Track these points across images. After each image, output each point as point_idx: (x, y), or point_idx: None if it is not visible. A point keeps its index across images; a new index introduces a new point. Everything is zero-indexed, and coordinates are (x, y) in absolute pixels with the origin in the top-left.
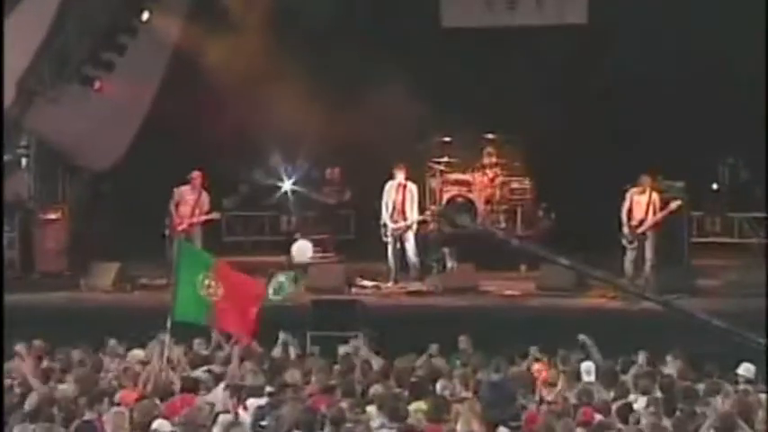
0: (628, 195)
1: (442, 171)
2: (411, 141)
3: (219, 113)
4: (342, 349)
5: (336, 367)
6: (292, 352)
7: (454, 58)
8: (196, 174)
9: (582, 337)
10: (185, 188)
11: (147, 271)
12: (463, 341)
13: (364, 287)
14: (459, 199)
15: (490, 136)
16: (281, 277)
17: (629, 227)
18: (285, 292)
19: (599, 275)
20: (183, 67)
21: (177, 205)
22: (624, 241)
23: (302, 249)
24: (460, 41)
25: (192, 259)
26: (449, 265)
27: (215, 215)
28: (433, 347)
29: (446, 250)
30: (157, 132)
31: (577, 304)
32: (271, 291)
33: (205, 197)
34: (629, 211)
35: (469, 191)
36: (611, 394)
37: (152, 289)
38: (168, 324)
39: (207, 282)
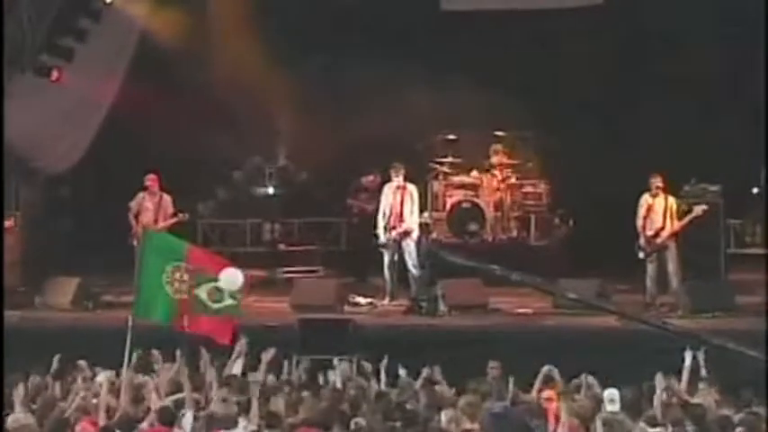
0: (642, 201)
1: (445, 173)
2: (410, 139)
3: (193, 108)
4: (332, 375)
5: (326, 395)
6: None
7: (457, 45)
8: (151, 177)
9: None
10: (143, 195)
11: (111, 287)
12: (495, 368)
13: (358, 305)
14: (465, 204)
15: (500, 133)
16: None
17: (645, 237)
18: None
19: (602, 305)
20: (151, 56)
21: (137, 215)
22: (641, 254)
23: (231, 279)
24: (464, 27)
25: (160, 250)
26: (441, 308)
27: (181, 216)
28: (436, 372)
29: (439, 291)
30: (123, 129)
31: (598, 323)
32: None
33: (167, 200)
34: (645, 218)
35: (476, 195)
36: (639, 425)
37: (117, 307)
38: (128, 338)
39: (178, 274)
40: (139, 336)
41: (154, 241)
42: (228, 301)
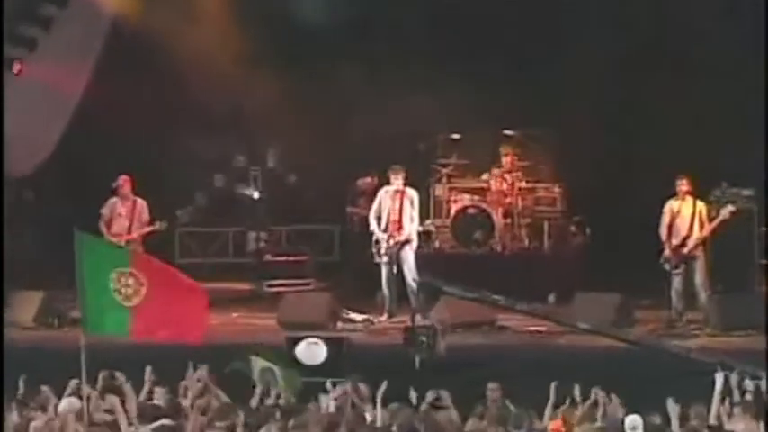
0: (666, 207)
1: (449, 175)
2: (410, 139)
3: (171, 103)
4: (324, 399)
5: (318, 422)
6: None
7: (461, 34)
8: (123, 179)
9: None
10: (115, 200)
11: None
12: (495, 389)
13: (352, 321)
14: (471, 210)
15: (509, 132)
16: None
17: (671, 247)
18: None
19: (618, 335)
20: (123, 45)
21: (109, 222)
22: (667, 266)
23: (312, 354)
24: (469, 12)
25: (100, 255)
26: (440, 347)
27: (159, 225)
28: (445, 395)
29: (439, 326)
30: (93, 127)
31: (616, 342)
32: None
33: (142, 206)
34: (670, 226)
35: (484, 200)
36: None
37: None
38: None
39: (124, 280)
40: (106, 353)
41: (89, 245)
42: None
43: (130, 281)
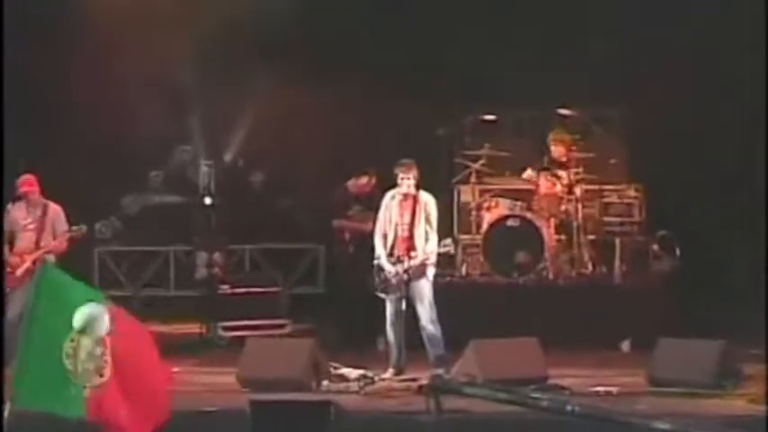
0: None
1: (480, 173)
2: (426, 120)
3: (87, 76)
4: None
5: None
6: None
7: None
8: (27, 180)
9: None
10: (18, 206)
11: None
12: None
13: (344, 379)
14: (512, 221)
15: (565, 111)
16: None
17: None
18: None
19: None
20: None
21: (11, 238)
22: None
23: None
24: None
25: (64, 295)
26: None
27: (76, 231)
28: None
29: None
30: None
31: (713, 407)
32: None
33: (55, 212)
34: None
35: (529, 207)
36: None
37: None
38: None
39: (87, 346)
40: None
41: (53, 283)
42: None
43: (98, 349)
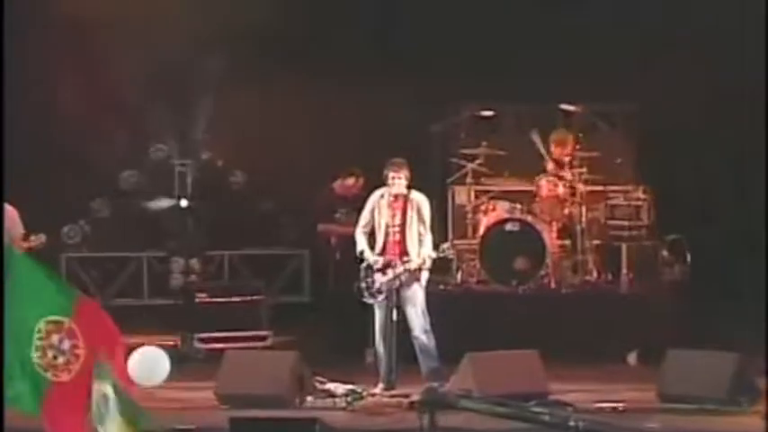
0: None
1: (477, 173)
2: (418, 116)
3: (59, 78)
4: None
5: None
6: None
7: None
8: None
9: None
10: None
11: None
12: None
13: (330, 394)
14: (511, 225)
15: (568, 107)
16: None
17: None
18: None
19: None
20: None
21: None
22: None
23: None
24: None
25: (33, 283)
26: None
27: (35, 240)
28: None
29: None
30: None
31: (728, 428)
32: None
33: (12, 215)
34: None
35: (529, 210)
36: None
37: None
38: None
39: (57, 337)
40: None
41: (22, 268)
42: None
43: (66, 343)
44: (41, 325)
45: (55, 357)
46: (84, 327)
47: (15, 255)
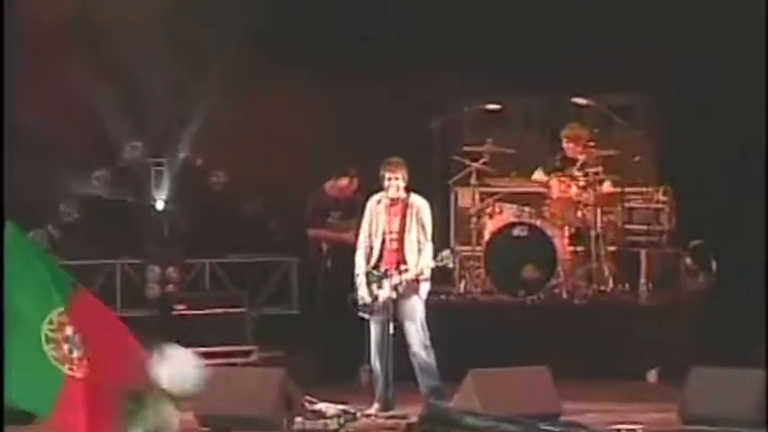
0: None
1: (482, 173)
2: (418, 111)
3: (25, 72)
4: None
5: None
6: None
7: None
8: None
9: None
10: None
11: None
12: None
13: (321, 415)
14: (519, 230)
15: (580, 100)
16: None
17: None
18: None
19: None
20: None
21: None
22: None
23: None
24: None
25: (37, 268)
26: None
27: None
28: None
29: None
30: None
31: None
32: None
33: None
34: None
35: (539, 213)
36: None
37: None
38: None
39: (63, 331)
40: None
41: (25, 252)
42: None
43: (68, 330)
44: (53, 316)
45: (71, 351)
46: (79, 318)
47: (14, 231)
